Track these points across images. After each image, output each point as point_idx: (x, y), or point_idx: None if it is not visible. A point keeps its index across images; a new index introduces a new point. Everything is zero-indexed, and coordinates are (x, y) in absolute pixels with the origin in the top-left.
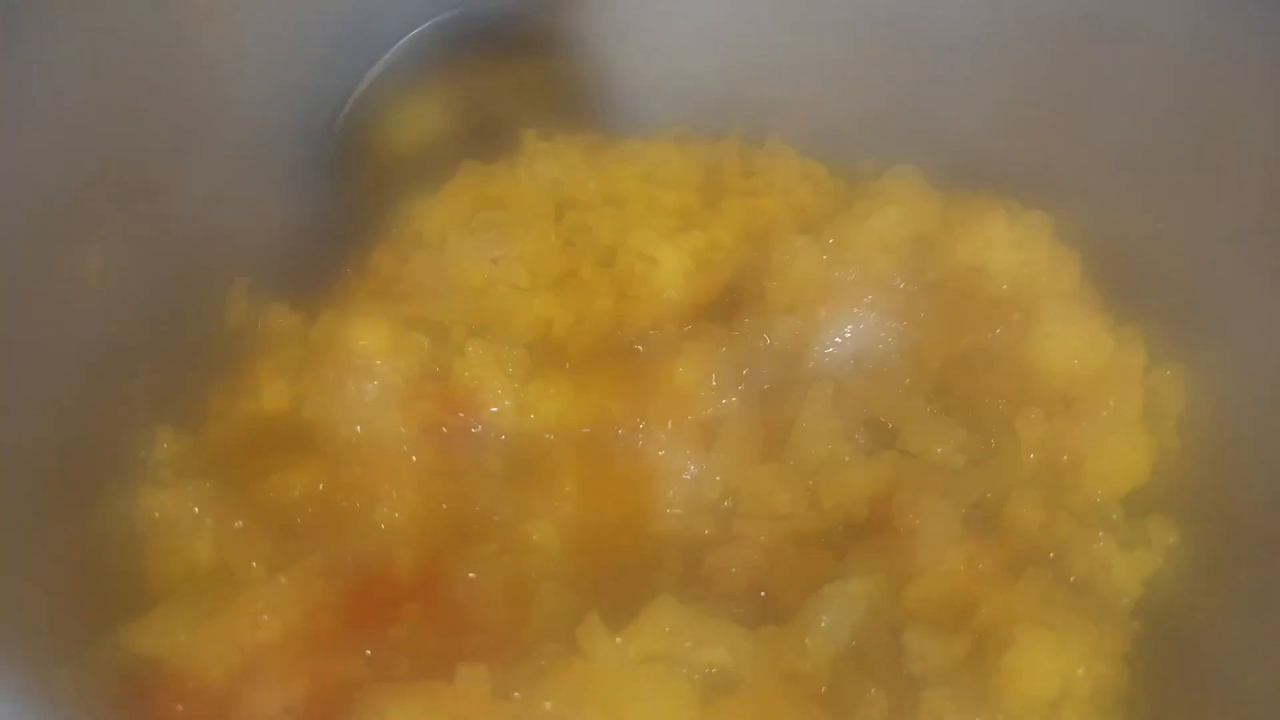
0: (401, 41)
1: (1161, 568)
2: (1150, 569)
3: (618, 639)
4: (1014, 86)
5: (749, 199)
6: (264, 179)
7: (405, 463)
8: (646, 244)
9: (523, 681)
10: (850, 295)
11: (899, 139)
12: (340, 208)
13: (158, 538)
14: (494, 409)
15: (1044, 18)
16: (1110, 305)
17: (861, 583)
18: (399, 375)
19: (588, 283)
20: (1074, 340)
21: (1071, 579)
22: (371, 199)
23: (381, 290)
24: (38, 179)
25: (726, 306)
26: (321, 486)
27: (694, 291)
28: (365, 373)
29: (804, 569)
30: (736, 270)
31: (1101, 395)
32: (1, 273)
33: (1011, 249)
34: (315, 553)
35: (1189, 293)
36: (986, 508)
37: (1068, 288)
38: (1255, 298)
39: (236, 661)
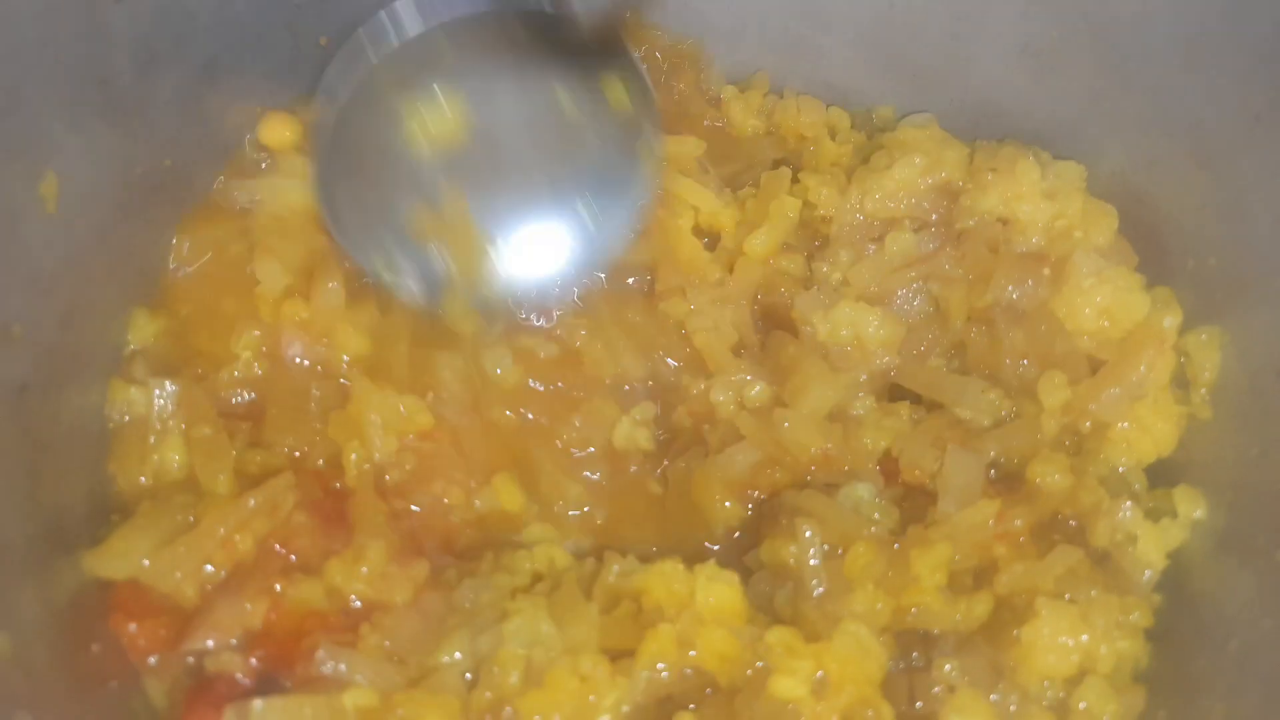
0: None
1: (1187, 541)
2: (1176, 542)
3: None
4: (1045, 27)
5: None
6: (235, 94)
7: None
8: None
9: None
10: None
11: (921, 85)
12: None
13: (126, 440)
14: None
15: None
16: (1144, 265)
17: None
18: None
19: None
20: (1107, 299)
21: (1094, 548)
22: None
23: None
24: None
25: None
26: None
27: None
28: None
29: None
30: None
31: (1131, 359)
32: None
33: (1043, 199)
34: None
35: (1227, 253)
36: (1006, 470)
37: (1103, 242)
38: None
39: (198, 584)
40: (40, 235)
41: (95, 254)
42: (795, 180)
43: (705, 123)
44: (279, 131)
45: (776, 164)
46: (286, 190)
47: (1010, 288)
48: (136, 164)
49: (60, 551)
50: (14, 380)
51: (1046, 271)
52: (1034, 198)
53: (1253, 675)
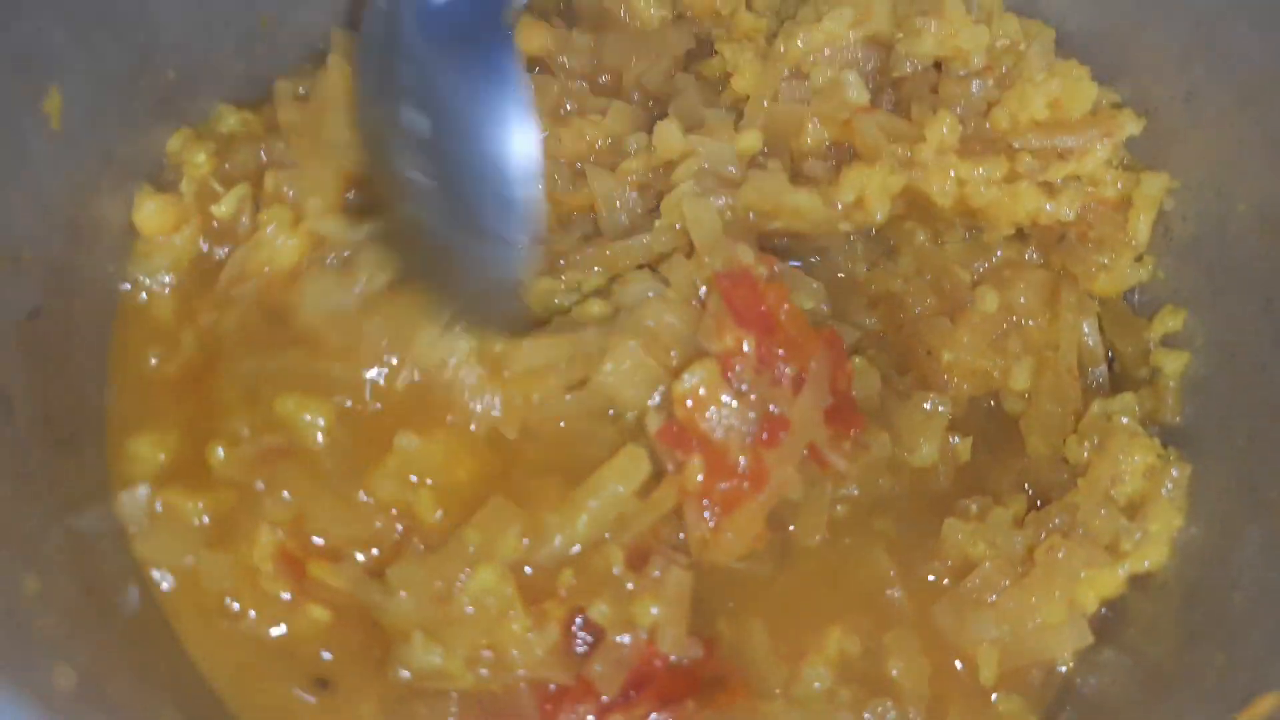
0: None
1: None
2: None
3: None
4: None
5: None
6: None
7: None
8: None
9: None
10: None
11: None
12: None
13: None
14: None
15: None
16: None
17: None
18: None
19: None
20: (1056, 90)
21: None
22: None
23: None
24: None
25: None
26: None
27: None
28: None
29: None
30: None
31: (1077, 128)
32: None
33: (979, 28)
34: None
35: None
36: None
37: (1048, 48)
38: None
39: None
40: (46, 154)
41: (101, 173)
42: (713, 54)
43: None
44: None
45: (689, 54)
46: None
47: (959, 107)
48: (140, 76)
49: (81, 484)
50: (25, 305)
51: (992, 81)
52: (969, 27)
53: (1255, 626)
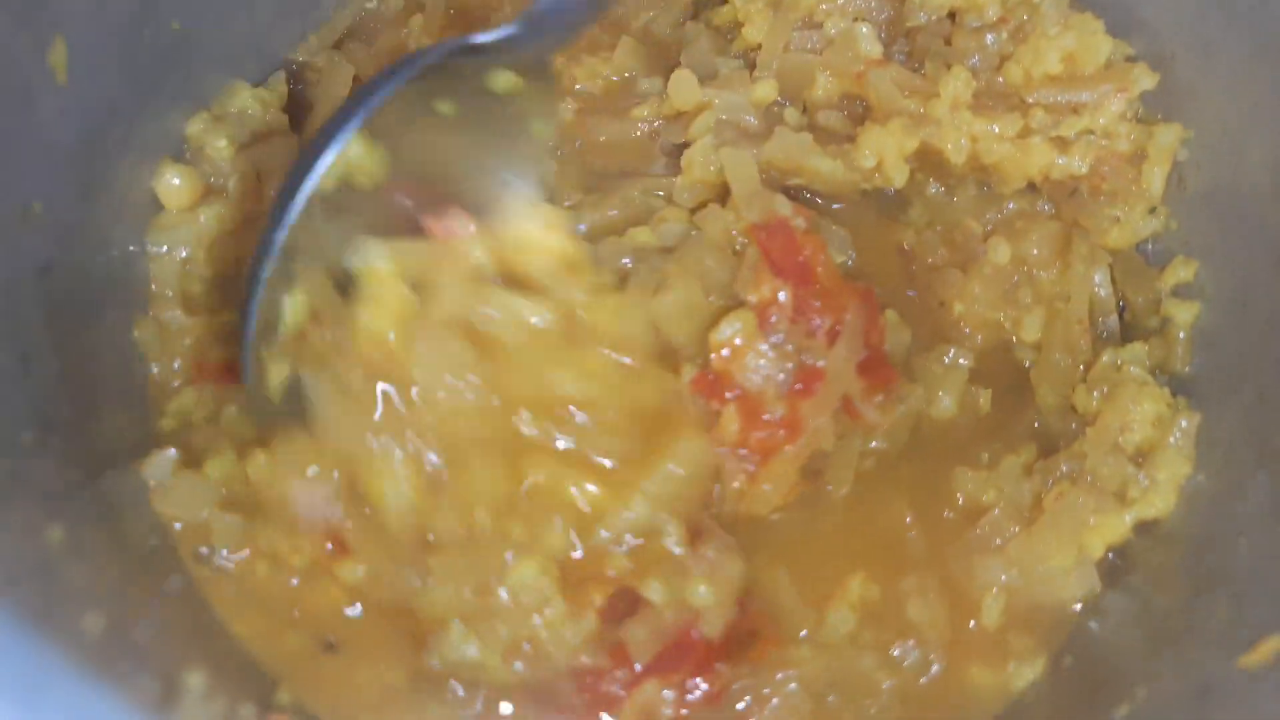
0: None
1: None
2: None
3: None
4: None
5: None
6: None
7: None
8: None
9: None
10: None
11: None
12: None
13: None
14: None
15: None
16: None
17: None
18: None
19: None
20: (1070, 44)
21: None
22: None
23: None
24: None
25: None
26: None
27: None
28: None
29: None
30: None
31: (1090, 82)
32: None
33: None
34: None
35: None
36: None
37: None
38: None
39: None
40: (53, 108)
41: (108, 126)
42: (723, 1)
43: None
44: None
45: (697, 2)
46: None
47: (974, 59)
48: (144, 25)
49: (98, 432)
50: (38, 260)
51: (1006, 34)
52: None
53: (1261, 572)
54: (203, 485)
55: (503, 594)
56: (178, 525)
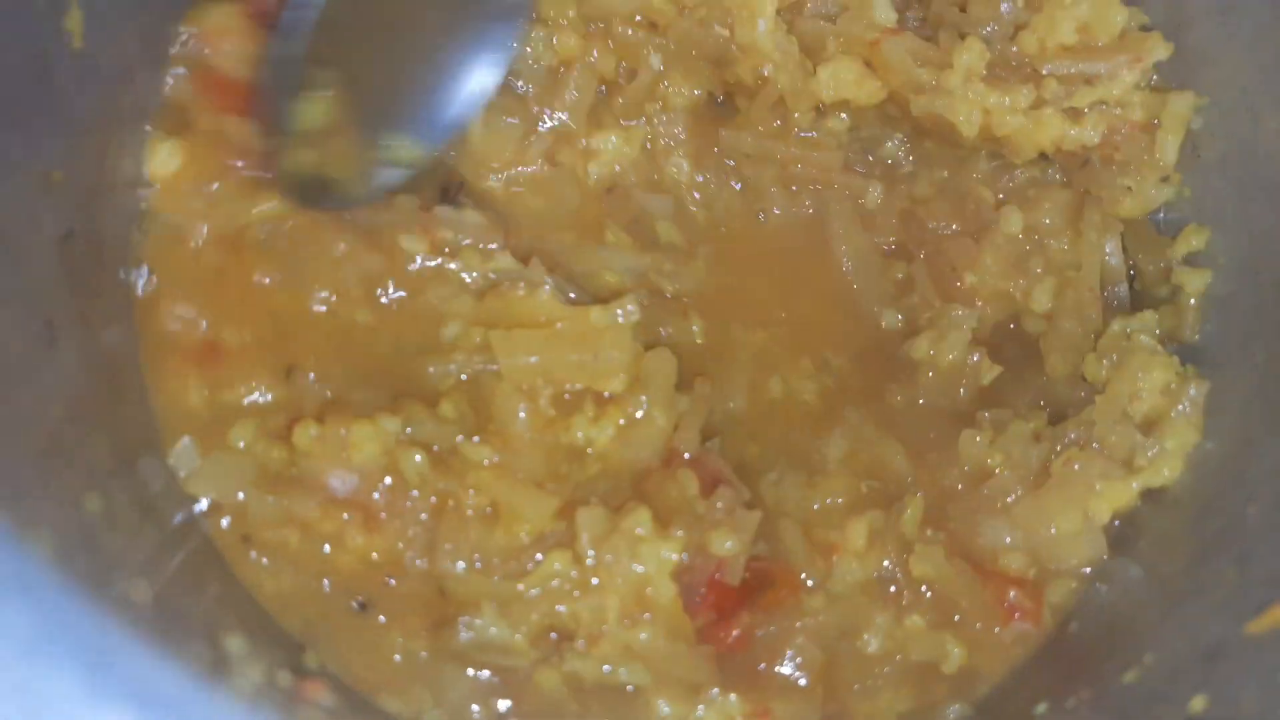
0: None
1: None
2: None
3: None
4: None
5: None
6: None
7: None
8: None
9: None
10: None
11: None
12: None
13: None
14: None
15: None
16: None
17: None
18: None
19: None
20: (1085, 14)
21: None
22: None
23: None
24: None
25: None
26: None
27: None
28: None
29: None
30: None
31: (1103, 54)
32: None
33: None
34: None
35: None
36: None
37: None
38: None
39: None
40: (70, 73)
41: (123, 92)
42: None
43: None
44: None
45: None
46: None
47: (990, 27)
48: None
49: (122, 397)
50: (58, 228)
51: (1020, 2)
52: None
53: (1268, 539)
54: (234, 464)
55: (532, 584)
56: (204, 503)
